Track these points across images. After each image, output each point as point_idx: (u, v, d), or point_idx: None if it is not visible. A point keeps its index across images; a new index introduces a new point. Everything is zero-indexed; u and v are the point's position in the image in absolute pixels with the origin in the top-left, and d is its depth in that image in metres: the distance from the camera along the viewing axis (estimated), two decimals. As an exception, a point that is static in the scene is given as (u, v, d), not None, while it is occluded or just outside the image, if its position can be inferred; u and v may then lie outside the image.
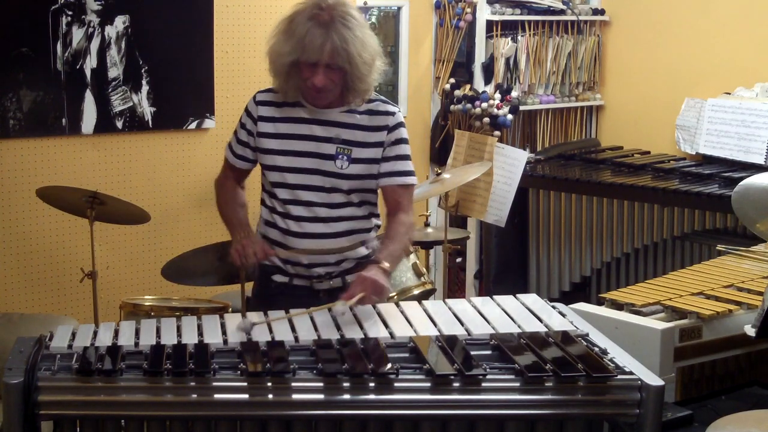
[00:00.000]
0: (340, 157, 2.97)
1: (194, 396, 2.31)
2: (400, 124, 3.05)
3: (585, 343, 2.55)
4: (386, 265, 2.86)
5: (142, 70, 4.69)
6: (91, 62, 4.55)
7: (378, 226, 3.16)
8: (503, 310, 2.80)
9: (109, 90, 4.62)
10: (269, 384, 2.32)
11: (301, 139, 2.99)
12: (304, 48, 2.82)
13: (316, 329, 2.61)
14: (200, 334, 2.56)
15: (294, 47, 2.84)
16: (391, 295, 4.30)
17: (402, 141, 3.05)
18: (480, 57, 5.66)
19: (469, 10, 5.59)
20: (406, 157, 3.06)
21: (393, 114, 3.03)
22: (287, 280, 3.07)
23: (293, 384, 2.32)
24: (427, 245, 5.03)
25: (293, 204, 3.00)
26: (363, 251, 3.08)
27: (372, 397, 2.32)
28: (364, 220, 3.08)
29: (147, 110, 4.74)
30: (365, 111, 3.00)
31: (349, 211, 3.02)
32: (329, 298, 2.89)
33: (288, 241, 3.02)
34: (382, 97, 3.08)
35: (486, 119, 5.48)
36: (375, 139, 3.00)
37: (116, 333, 2.56)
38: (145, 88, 4.71)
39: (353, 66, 2.85)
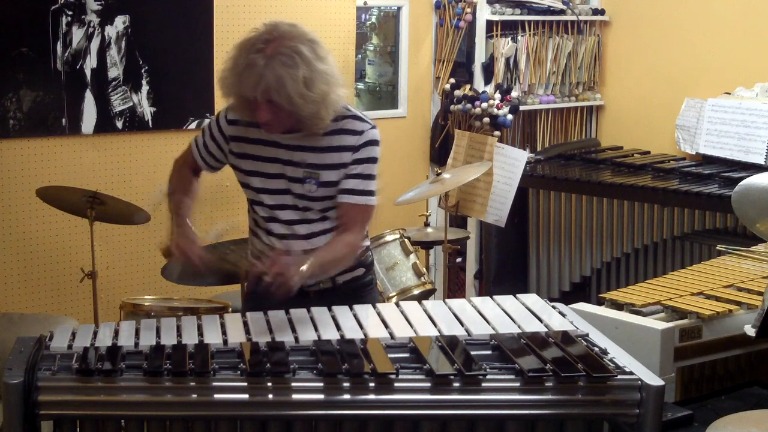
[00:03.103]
0: (308, 181, 2.88)
1: (194, 396, 2.31)
2: (369, 143, 2.87)
3: (585, 343, 2.55)
4: (304, 267, 2.73)
5: (142, 70, 4.69)
6: (91, 62, 4.55)
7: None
8: (503, 310, 2.80)
9: (109, 90, 4.62)
10: (269, 384, 2.32)
11: (271, 162, 2.91)
12: (241, 84, 2.72)
13: (316, 329, 2.61)
14: (200, 334, 2.56)
15: (234, 80, 2.74)
16: (390, 295, 4.32)
17: (368, 161, 2.89)
18: (480, 57, 5.66)
19: (469, 10, 5.59)
20: (369, 177, 2.91)
21: (361, 133, 2.86)
22: None
23: (293, 384, 2.32)
24: (427, 245, 5.03)
25: (273, 222, 2.96)
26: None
27: (372, 397, 2.32)
28: None
29: (147, 110, 4.73)
30: (333, 131, 2.86)
31: (328, 224, 2.96)
32: (319, 299, 2.88)
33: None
34: (354, 113, 2.90)
35: (486, 119, 5.48)
36: (340, 160, 2.88)
37: (116, 333, 2.55)
38: (145, 88, 4.71)
39: (294, 106, 2.70)
